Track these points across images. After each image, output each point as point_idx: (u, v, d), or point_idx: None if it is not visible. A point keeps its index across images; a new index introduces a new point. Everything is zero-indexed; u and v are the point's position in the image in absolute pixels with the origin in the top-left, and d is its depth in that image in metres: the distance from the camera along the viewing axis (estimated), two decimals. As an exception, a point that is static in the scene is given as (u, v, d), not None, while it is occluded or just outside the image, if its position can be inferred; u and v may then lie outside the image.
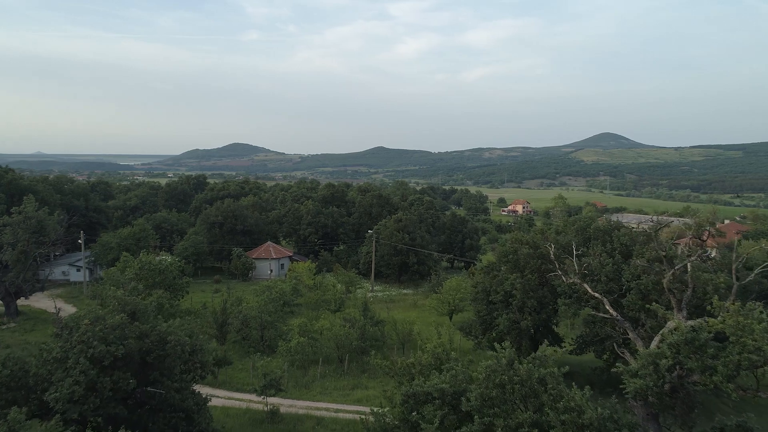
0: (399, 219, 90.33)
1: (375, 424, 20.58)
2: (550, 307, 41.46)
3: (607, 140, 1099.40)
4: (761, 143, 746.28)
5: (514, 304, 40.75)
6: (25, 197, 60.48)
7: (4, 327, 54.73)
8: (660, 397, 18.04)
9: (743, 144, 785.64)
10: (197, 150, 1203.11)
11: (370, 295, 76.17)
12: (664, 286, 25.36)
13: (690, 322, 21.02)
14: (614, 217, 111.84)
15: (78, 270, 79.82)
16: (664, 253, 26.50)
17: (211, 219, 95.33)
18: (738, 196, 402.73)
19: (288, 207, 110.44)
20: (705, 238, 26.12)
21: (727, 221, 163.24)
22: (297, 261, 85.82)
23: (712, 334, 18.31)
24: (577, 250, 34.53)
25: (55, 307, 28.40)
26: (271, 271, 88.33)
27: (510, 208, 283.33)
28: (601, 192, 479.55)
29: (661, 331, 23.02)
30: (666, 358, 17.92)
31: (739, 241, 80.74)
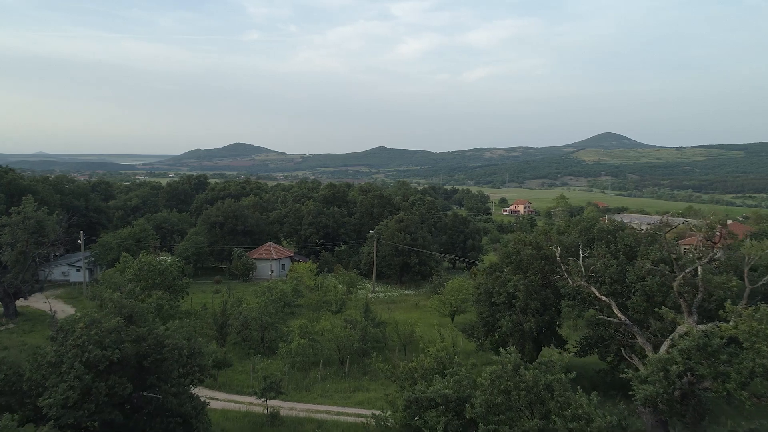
0: (400, 219, 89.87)
1: (376, 428, 20.13)
2: (554, 308, 40.98)
3: (608, 140, 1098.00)
4: (763, 143, 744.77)
5: (517, 306, 40.26)
6: (24, 197, 60.08)
7: (2, 328, 54.35)
8: (670, 404, 17.53)
9: (745, 144, 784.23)
10: (199, 150, 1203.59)
11: (371, 295, 75.71)
12: (674, 289, 24.78)
13: (701, 327, 20.47)
14: (618, 218, 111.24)
15: (78, 270, 79.42)
16: (674, 256, 25.91)
17: (212, 219, 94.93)
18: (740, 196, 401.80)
19: (289, 207, 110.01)
20: (717, 240, 25.47)
21: (730, 221, 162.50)
22: (298, 261, 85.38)
23: (725, 340, 17.79)
24: (582, 252, 33.94)
25: (51, 310, 27.93)
26: (272, 271, 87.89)
27: (511, 208, 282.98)
28: (603, 192, 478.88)
29: (671, 336, 22.48)
30: (676, 364, 17.41)
31: (742, 241, 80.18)
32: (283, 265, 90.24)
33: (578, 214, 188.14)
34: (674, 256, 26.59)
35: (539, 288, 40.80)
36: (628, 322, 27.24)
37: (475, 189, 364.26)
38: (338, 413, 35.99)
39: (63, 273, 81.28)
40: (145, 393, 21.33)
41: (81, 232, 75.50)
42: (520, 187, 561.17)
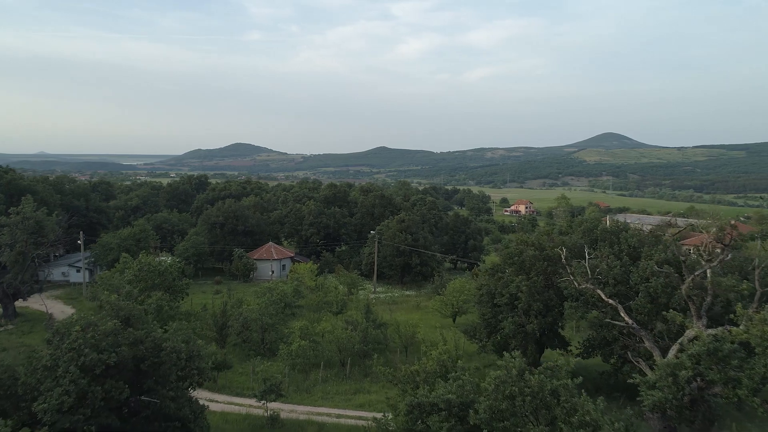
0: (402, 219, 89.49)
1: (378, 432, 19.78)
2: (556, 310, 40.65)
3: (609, 140, 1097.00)
4: (764, 143, 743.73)
5: (520, 307, 39.92)
6: (23, 197, 59.78)
7: (1, 329, 54.02)
8: (679, 410, 17.13)
9: (746, 144, 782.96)
10: (200, 150, 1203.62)
11: (372, 296, 75.33)
12: (683, 292, 24.34)
13: (711, 331, 20.05)
14: (620, 218, 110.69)
15: (78, 271, 79.10)
16: (683, 258, 25.46)
17: (212, 219, 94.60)
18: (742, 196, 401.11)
19: (290, 207, 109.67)
20: (728, 242, 25.00)
21: (732, 221, 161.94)
22: (299, 262, 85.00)
23: (736, 345, 17.37)
24: (588, 254, 33.51)
25: (47, 313, 27.57)
26: (273, 272, 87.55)
27: (513, 208, 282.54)
28: (604, 192, 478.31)
29: (679, 340, 22.04)
30: (686, 369, 17.01)
31: (745, 242, 79.64)
32: (283, 266, 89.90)
33: (580, 215, 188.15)
34: (683, 258, 26.09)
35: (542, 289, 40.45)
36: (635, 325, 26.78)
37: (476, 189, 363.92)
38: (339, 416, 35.67)
39: (63, 273, 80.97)
40: (143, 397, 20.97)
41: (81, 232, 75.18)
42: (522, 187, 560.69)
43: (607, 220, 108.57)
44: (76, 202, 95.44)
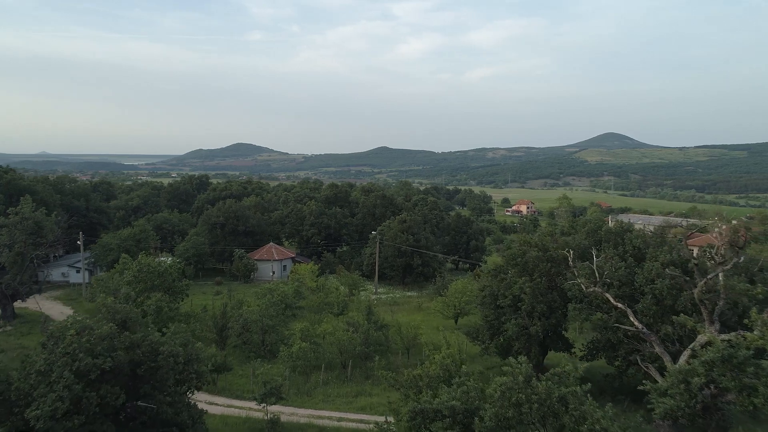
0: (403, 220, 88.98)
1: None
2: (560, 311, 40.18)
3: (610, 140, 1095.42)
4: (766, 143, 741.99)
5: (523, 309, 39.47)
6: (22, 198, 59.34)
7: (0, 330, 53.59)
8: (692, 418, 16.59)
9: (748, 144, 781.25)
10: (201, 150, 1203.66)
11: (373, 297, 74.83)
12: (695, 296, 23.76)
13: (724, 336, 19.51)
14: (626, 219, 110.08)
15: (78, 271, 78.67)
16: (696, 262, 24.88)
17: (213, 219, 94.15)
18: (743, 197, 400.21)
19: (291, 207, 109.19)
20: (742, 244, 24.42)
21: (734, 222, 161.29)
22: (300, 262, 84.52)
23: (752, 351, 16.83)
24: (597, 256, 32.94)
25: (43, 317, 27.11)
26: (274, 272, 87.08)
27: (514, 208, 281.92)
28: (606, 192, 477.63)
29: (691, 345, 21.48)
30: (698, 375, 16.48)
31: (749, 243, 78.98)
32: (284, 266, 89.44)
33: (581, 215, 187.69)
34: (695, 261, 25.49)
35: (545, 291, 40.00)
36: (645, 330, 26.20)
37: (477, 189, 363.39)
38: (340, 419, 35.24)
39: (63, 274, 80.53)
40: (139, 402, 20.47)
41: (80, 232, 74.73)
42: (523, 187, 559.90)
43: (609, 221, 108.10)
44: (76, 203, 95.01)
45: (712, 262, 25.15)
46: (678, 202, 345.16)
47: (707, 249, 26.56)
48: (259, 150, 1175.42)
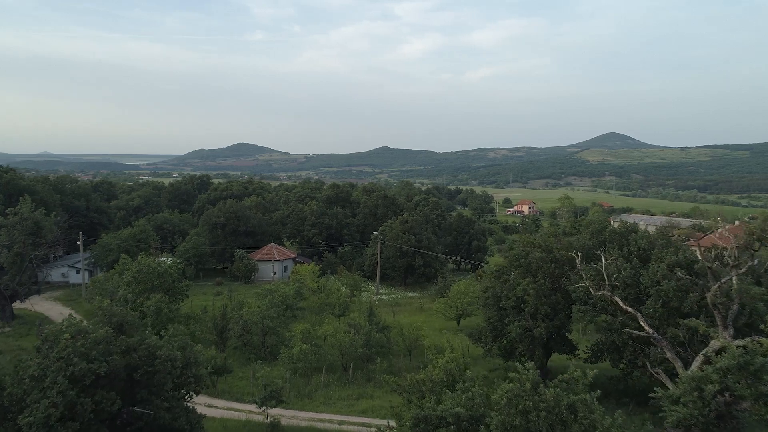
0: (405, 220, 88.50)
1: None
2: (564, 313, 39.71)
3: (612, 140, 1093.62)
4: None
5: (527, 311, 39.00)
6: (21, 198, 58.94)
7: (-2, 331, 53.18)
8: (706, 427, 16.06)
9: (750, 144, 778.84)
10: (202, 150, 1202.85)
11: (375, 298, 74.34)
12: (708, 300, 23.20)
13: (739, 342, 18.99)
14: (630, 219, 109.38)
15: (78, 272, 78.26)
16: (709, 265, 24.30)
17: (214, 220, 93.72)
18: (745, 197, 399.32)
19: (292, 207, 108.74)
20: (758, 248, 23.86)
21: (737, 222, 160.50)
22: (301, 263, 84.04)
23: (768, 358, 16.31)
24: (604, 258, 32.38)
25: (38, 321, 26.63)
26: (275, 273, 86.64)
27: (516, 208, 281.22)
28: (607, 192, 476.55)
29: (703, 351, 20.95)
30: (712, 383, 15.96)
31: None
32: (285, 267, 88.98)
33: (583, 215, 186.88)
34: (709, 264, 24.90)
35: (549, 292, 39.55)
36: (656, 335, 25.62)
37: (478, 189, 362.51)
38: (341, 422, 34.83)
39: (62, 275, 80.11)
40: (135, 408, 19.98)
41: (80, 233, 74.31)
42: (524, 187, 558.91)
43: (612, 221, 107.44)
44: (77, 203, 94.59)
45: (720, 263, 24.58)
46: (680, 203, 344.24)
47: (720, 251, 25.94)
48: (261, 150, 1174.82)
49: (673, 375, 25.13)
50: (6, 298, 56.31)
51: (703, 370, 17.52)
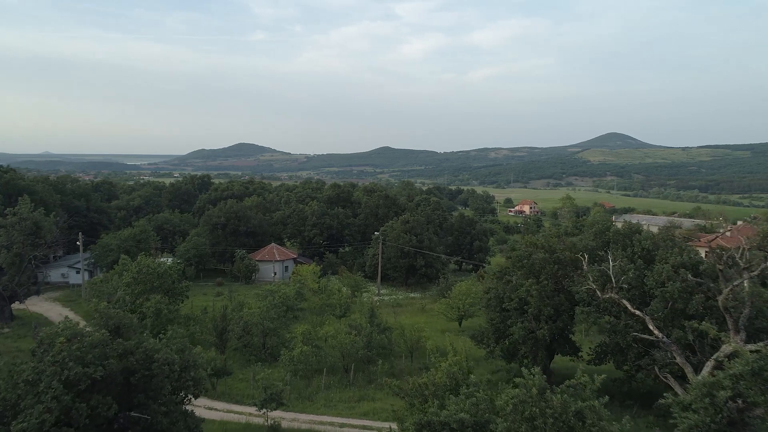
0: (406, 220, 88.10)
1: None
2: (567, 314, 39.30)
3: (613, 140, 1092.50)
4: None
5: (530, 312, 38.58)
6: (20, 198, 58.61)
7: (-3, 332, 52.84)
8: (718, 434, 15.65)
9: (751, 144, 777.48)
10: (203, 150, 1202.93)
11: (376, 299, 73.94)
12: (720, 304, 22.74)
13: (751, 347, 18.57)
14: (634, 219, 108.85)
15: (77, 272, 77.94)
16: (721, 267, 23.85)
17: (214, 220, 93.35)
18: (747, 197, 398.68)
19: (293, 208, 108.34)
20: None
21: (739, 222, 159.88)
22: (301, 263, 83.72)
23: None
24: (612, 260, 31.91)
25: (34, 323, 26.25)
26: (275, 273, 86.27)
27: (517, 208, 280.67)
28: (608, 192, 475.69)
29: (714, 355, 20.52)
30: (724, 389, 15.55)
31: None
32: (286, 267, 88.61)
33: (584, 215, 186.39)
34: (720, 267, 24.44)
35: (552, 293, 39.15)
36: (666, 339, 25.17)
37: (480, 189, 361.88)
38: (342, 425, 34.50)
39: (62, 275, 79.79)
40: (132, 413, 19.57)
41: (80, 233, 73.97)
42: (525, 187, 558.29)
43: (614, 220, 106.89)
44: (77, 203, 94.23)
45: (730, 265, 24.10)
46: (681, 203, 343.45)
47: (731, 252, 25.47)
48: (262, 150, 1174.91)
49: (680, 378, 24.75)
50: (5, 298, 55.96)
51: (714, 376, 17.11)
